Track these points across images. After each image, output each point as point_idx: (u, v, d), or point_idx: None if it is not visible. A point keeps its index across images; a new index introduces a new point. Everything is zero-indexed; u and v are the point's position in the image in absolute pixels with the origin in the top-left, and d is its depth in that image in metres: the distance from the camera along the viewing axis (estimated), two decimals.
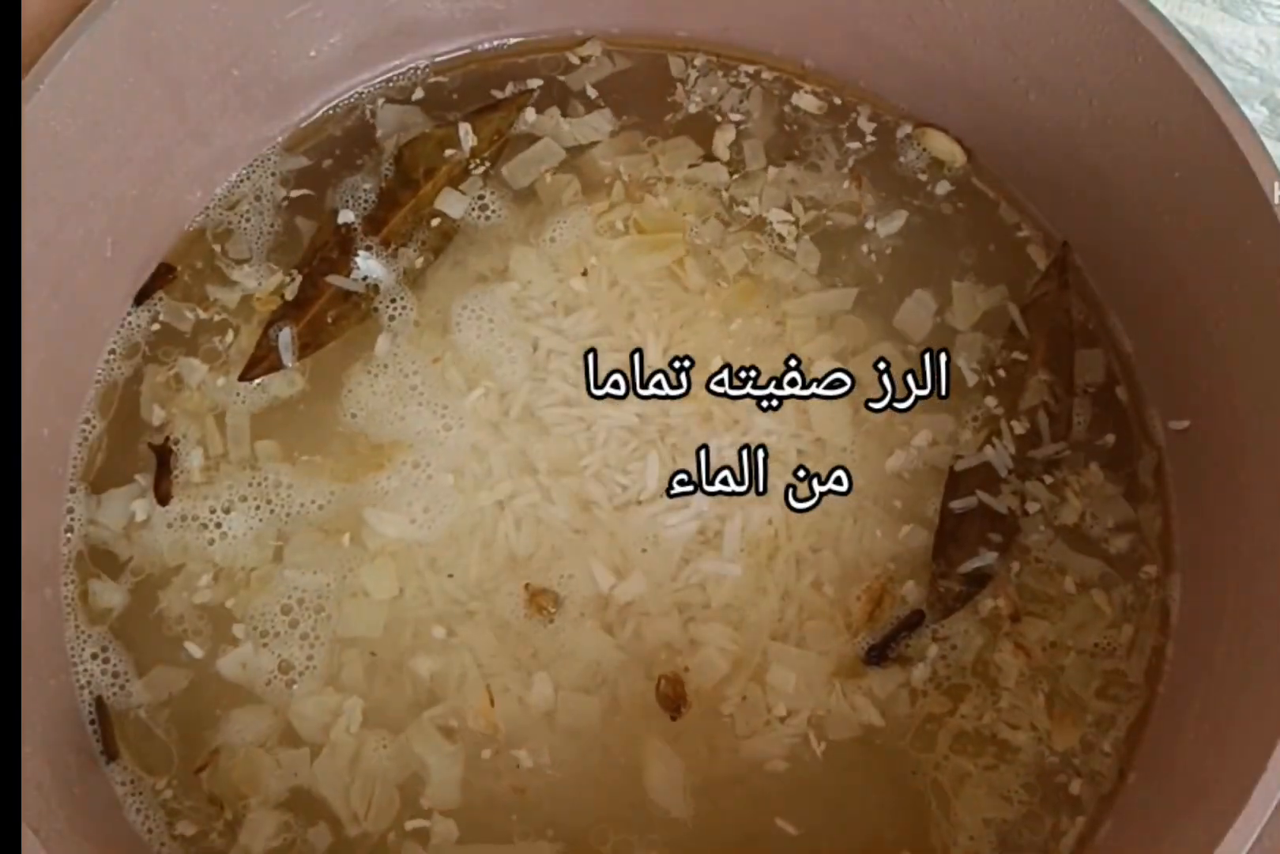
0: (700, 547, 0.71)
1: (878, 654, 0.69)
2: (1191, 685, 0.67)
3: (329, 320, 0.75)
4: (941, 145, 0.80)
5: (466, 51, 0.83)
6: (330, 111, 0.81)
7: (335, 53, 0.79)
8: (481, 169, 0.79)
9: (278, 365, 0.74)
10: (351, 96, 0.82)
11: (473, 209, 0.78)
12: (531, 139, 0.80)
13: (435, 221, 0.78)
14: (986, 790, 0.67)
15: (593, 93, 0.82)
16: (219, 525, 0.72)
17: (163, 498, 0.72)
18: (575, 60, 0.82)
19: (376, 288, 0.76)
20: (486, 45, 0.83)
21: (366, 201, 0.78)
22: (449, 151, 0.79)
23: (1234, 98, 0.62)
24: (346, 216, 0.78)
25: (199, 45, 0.71)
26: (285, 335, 0.75)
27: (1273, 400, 0.63)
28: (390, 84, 0.82)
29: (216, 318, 0.76)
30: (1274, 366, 0.63)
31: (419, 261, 0.77)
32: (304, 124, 0.81)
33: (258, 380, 0.74)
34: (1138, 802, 0.66)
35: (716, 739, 0.68)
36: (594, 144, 0.80)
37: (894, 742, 0.68)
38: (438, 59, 0.82)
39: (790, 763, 0.67)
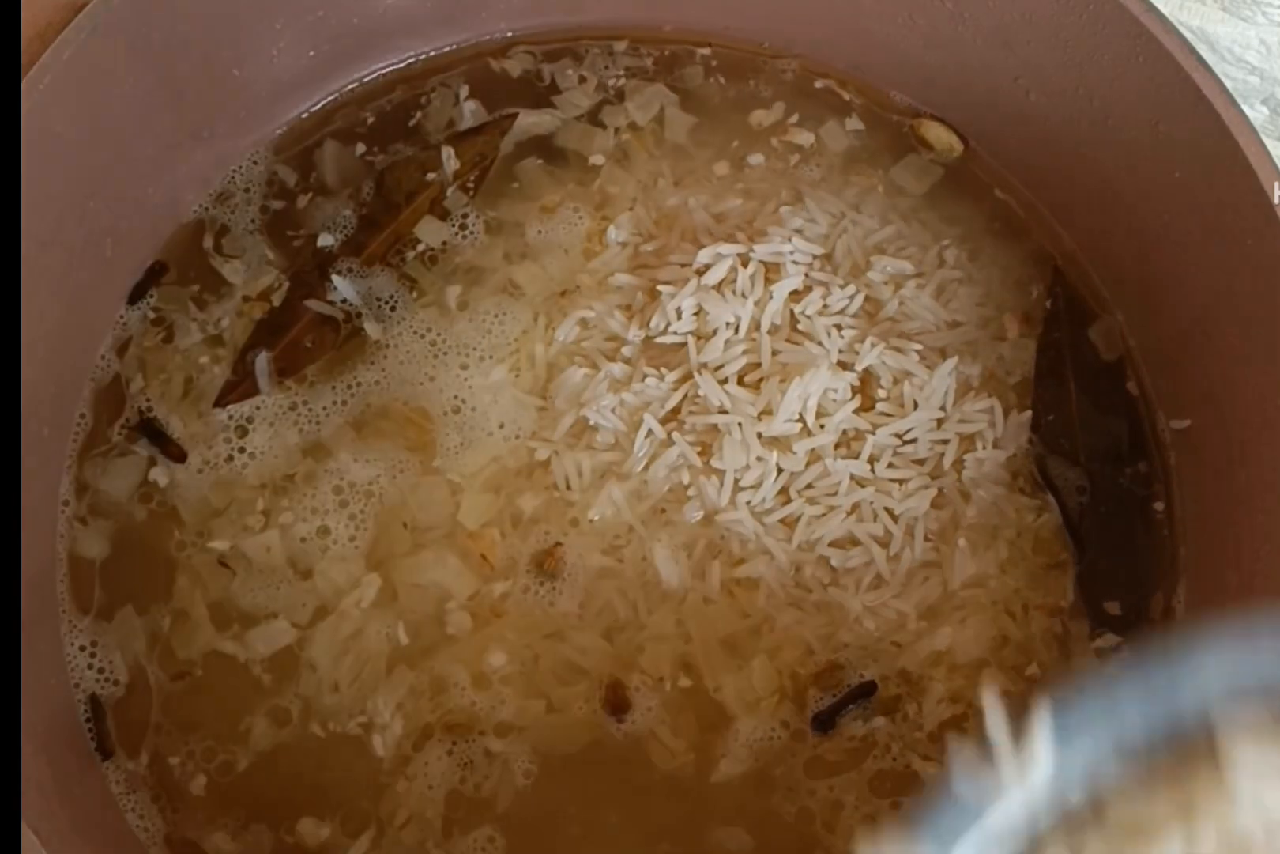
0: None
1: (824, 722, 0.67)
2: None
3: (307, 344, 0.74)
4: (939, 135, 0.79)
5: (472, 41, 0.82)
6: (325, 108, 0.81)
7: (336, 51, 0.79)
8: (464, 192, 0.78)
9: (253, 391, 0.73)
10: (344, 96, 0.81)
11: (454, 231, 0.77)
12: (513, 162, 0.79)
13: (419, 246, 0.77)
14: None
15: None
16: (243, 450, 0.72)
17: (177, 456, 0.72)
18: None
19: (356, 313, 0.75)
20: (487, 37, 0.82)
21: (347, 225, 0.77)
22: (430, 175, 0.78)
23: (1234, 97, 0.62)
24: (326, 240, 0.77)
25: (199, 45, 0.71)
26: (262, 360, 0.73)
27: (1273, 400, 0.63)
28: (389, 79, 0.82)
29: (207, 317, 0.76)
30: (1274, 367, 0.63)
31: (399, 284, 0.76)
32: (301, 121, 0.81)
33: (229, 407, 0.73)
34: None
35: None
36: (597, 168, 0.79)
37: None
38: (433, 54, 0.82)
39: None
